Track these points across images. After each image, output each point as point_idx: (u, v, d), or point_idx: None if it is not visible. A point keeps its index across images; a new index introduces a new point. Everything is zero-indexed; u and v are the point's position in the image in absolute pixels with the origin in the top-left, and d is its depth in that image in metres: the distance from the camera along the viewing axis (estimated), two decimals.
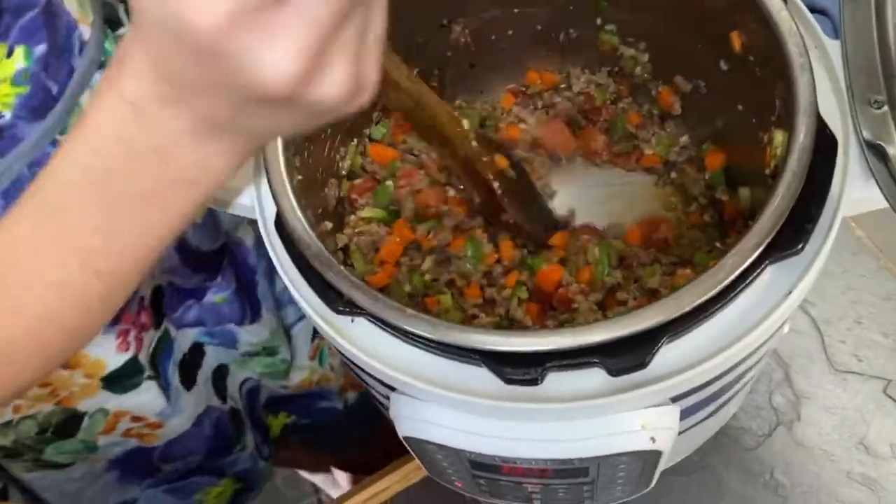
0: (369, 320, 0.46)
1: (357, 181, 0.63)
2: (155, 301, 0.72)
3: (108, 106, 0.33)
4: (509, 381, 0.43)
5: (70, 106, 0.56)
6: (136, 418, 0.74)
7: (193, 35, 0.27)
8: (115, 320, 0.65)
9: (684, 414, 0.48)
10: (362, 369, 0.48)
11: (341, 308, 0.46)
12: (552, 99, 0.68)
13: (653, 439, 0.45)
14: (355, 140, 0.64)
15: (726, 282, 0.42)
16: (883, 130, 0.46)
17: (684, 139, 0.65)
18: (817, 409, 0.70)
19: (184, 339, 0.78)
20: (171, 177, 0.35)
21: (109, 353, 0.66)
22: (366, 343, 0.46)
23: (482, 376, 0.44)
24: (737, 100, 0.57)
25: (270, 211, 0.50)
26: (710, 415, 0.54)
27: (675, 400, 0.45)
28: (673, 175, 0.64)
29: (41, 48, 0.53)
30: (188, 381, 0.79)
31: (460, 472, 0.53)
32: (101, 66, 0.59)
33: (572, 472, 0.48)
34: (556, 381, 0.43)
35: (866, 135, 0.46)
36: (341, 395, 0.98)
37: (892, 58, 0.47)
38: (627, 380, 0.43)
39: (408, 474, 0.71)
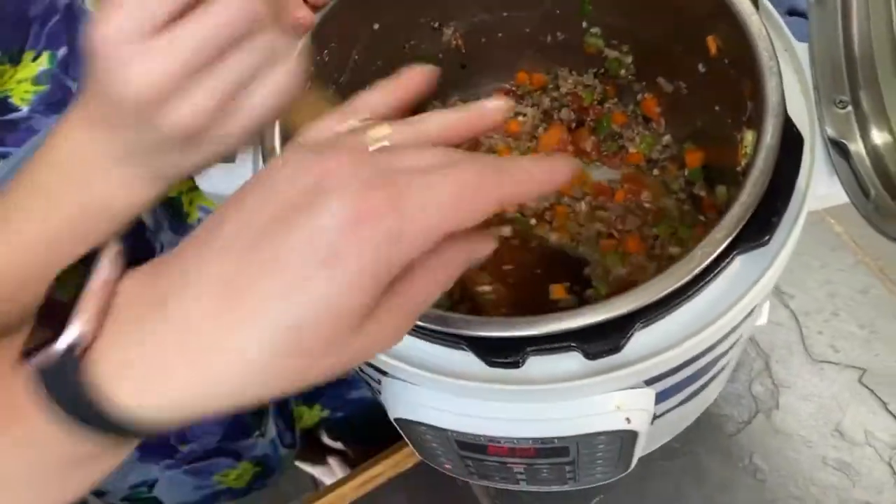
0: None
1: None
2: None
3: (60, 129, 0.42)
4: (492, 365, 0.46)
5: None
6: None
7: (95, 50, 0.36)
8: None
9: (660, 397, 0.51)
10: None
11: None
12: (541, 99, 0.71)
13: (628, 420, 0.48)
14: None
15: (696, 271, 0.45)
16: (846, 129, 0.48)
17: (666, 138, 0.68)
18: (795, 397, 0.72)
19: None
20: (94, 194, 0.42)
21: None
22: None
23: (468, 360, 0.47)
24: (714, 101, 0.60)
25: None
26: (687, 399, 0.57)
27: (649, 383, 0.48)
28: (655, 172, 0.67)
29: (62, 51, 0.57)
30: None
31: (449, 454, 0.56)
32: None
33: (553, 451, 0.51)
34: (537, 365, 0.46)
35: (830, 133, 0.48)
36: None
37: (857, 61, 0.49)
38: (603, 363, 0.46)
39: (400, 461, 0.74)
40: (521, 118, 0.70)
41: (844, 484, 0.68)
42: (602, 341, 0.45)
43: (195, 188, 0.73)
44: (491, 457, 0.53)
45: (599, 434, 0.48)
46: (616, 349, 0.45)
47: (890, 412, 0.71)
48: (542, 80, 0.71)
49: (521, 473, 0.57)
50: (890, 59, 0.47)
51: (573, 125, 0.70)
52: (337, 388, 1.01)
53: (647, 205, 0.65)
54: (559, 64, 0.71)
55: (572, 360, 0.46)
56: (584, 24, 0.66)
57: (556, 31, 0.68)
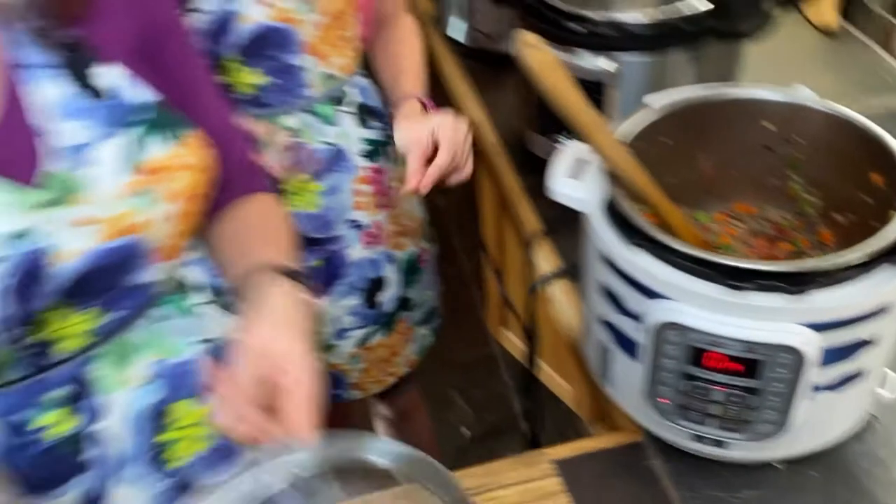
0: (648, 252, 0.84)
1: None
2: None
3: None
4: (728, 287, 0.79)
5: None
6: None
7: None
8: None
9: (822, 358, 0.81)
10: (637, 284, 0.85)
11: (637, 242, 0.84)
12: (751, 221, 1.07)
13: (801, 341, 0.79)
14: None
15: (855, 261, 0.78)
16: None
17: None
18: None
19: None
20: None
21: None
22: (644, 266, 0.84)
23: (710, 287, 0.80)
24: (874, 219, 0.94)
25: (597, 203, 0.90)
26: (838, 384, 0.85)
27: (818, 329, 0.79)
28: None
29: None
30: None
31: (672, 373, 0.86)
32: None
33: (750, 367, 0.81)
34: (754, 296, 0.79)
35: None
36: None
37: None
38: (794, 299, 0.78)
39: (608, 440, 1.03)
40: (737, 229, 1.07)
41: None
42: (793, 286, 0.78)
43: None
44: (704, 373, 0.84)
45: (783, 348, 0.79)
46: (801, 290, 0.78)
47: None
48: (752, 211, 1.08)
49: (717, 404, 0.86)
50: None
51: (773, 240, 1.06)
52: None
53: None
54: (766, 202, 1.08)
55: (777, 298, 0.78)
56: (790, 173, 1.04)
57: (770, 177, 1.06)
